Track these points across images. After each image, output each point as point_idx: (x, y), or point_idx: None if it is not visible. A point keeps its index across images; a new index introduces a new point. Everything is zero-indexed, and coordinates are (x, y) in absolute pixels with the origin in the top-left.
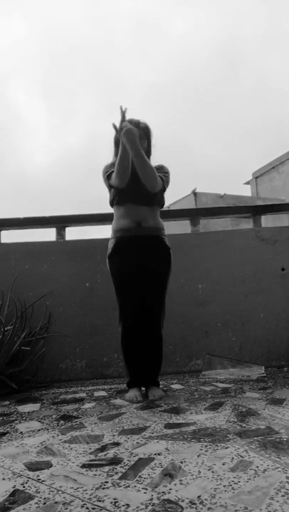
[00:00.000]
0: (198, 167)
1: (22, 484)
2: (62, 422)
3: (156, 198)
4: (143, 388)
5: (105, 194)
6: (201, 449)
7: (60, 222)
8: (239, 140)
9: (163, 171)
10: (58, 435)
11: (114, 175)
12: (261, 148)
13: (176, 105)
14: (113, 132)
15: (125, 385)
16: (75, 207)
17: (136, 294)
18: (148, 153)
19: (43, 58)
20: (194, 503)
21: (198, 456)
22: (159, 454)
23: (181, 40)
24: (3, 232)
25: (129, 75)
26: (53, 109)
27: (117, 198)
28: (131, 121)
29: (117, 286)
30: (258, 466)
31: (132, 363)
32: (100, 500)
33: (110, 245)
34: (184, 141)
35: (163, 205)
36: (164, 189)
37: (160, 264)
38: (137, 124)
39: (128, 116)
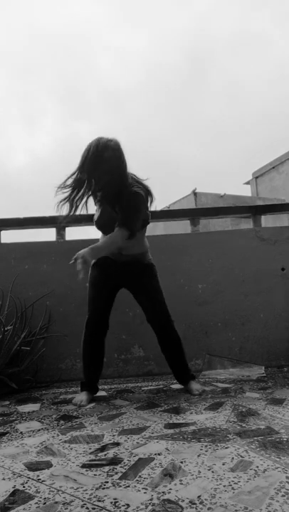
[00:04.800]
0: (179, 167)
1: (22, 484)
2: (62, 422)
3: (137, 231)
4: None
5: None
6: (201, 449)
7: (60, 222)
8: (214, 140)
9: (127, 210)
10: (58, 435)
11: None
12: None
13: (149, 107)
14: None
15: (125, 385)
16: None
17: (105, 305)
18: (120, 169)
19: (10, 56)
20: (194, 503)
21: (198, 456)
22: (159, 454)
23: (148, 41)
24: (3, 232)
25: (96, 78)
26: (23, 111)
27: (101, 231)
28: (99, 141)
29: (91, 293)
30: (258, 466)
31: (89, 366)
32: (100, 500)
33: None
34: (161, 142)
35: (146, 225)
36: (144, 222)
37: (141, 276)
38: (105, 144)
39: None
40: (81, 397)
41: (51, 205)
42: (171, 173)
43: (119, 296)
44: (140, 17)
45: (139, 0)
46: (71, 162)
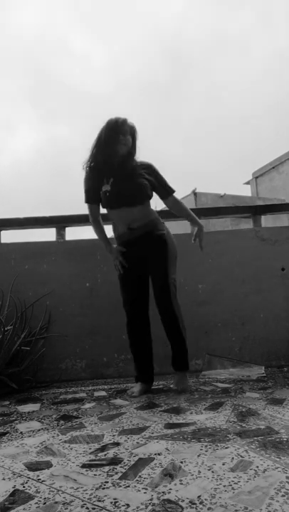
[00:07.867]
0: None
1: (22, 484)
2: (62, 422)
3: (148, 196)
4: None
5: (78, 196)
6: (201, 449)
7: (60, 222)
8: (214, 140)
9: (159, 179)
10: (58, 435)
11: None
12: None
13: (135, 110)
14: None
15: (125, 385)
16: (39, 208)
17: (135, 287)
18: (133, 150)
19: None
20: (194, 503)
21: (198, 456)
22: (159, 454)
23: (125, 44)
24: (3, 232)
25: (79, 81)
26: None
27: (109, 204)
28: (118, 120)
29: (119, 281)
30: (258, 466)
31: (136, 357)
32: (100, 500)
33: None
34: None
35: (151, 196)
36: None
37: (155, 250)
38: (124, 121)
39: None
40: (136, 388)
41: (32, 207)
42: (170, 173)
43: (118, 296)
44: (121, 20)
45: (120, 2)
46: (45, 167)
